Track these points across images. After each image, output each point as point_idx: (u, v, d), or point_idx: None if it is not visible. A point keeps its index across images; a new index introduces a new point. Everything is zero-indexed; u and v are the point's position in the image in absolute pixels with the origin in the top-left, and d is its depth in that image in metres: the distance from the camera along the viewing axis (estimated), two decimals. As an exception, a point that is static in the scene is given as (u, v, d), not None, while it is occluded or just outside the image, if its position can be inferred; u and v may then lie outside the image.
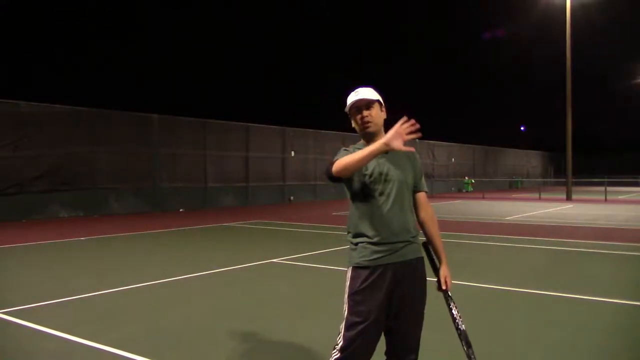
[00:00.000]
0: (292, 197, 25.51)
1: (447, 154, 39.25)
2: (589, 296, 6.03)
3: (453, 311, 2.71)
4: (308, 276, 7.55)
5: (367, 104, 2.69)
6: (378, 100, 2.72)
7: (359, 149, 2.66)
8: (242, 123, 23.70)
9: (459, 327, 2.68)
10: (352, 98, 2.70)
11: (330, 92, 48.18)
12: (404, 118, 2.39)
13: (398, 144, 2.37)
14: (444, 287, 2.74)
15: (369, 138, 2.72)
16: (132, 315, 5.37)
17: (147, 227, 13.84)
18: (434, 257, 2.78)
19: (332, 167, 2.55)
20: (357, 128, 2.74)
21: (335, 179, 2.56)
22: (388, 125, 2.74)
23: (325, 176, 2.65)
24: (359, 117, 2.69)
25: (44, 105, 17.04)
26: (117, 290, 6.45)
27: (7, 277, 7.51)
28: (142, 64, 40.18)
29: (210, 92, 41.75)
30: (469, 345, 2.64)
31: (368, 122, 2.68)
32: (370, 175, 2.63)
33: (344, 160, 2.48)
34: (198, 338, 4.57)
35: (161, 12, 44.77)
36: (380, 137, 2.70)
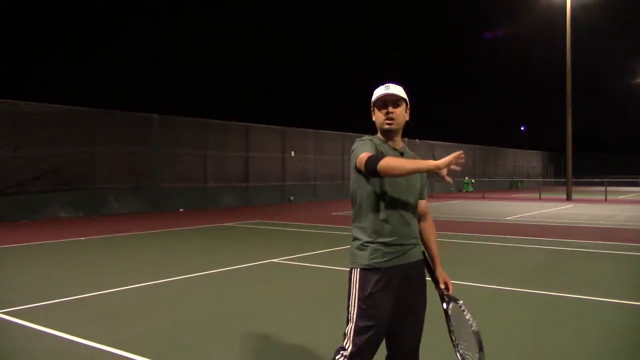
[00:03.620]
0: (292, 197, 25.50)
1: (447, 154, 38.96)
2: (589, 296, 6.03)
3: (465, 314, 2.54)
4: (308, 276, 7.54)
5: (395, 100, 2.64)
6: (405, 100, 2.69)
7: (376, 143, 2.62)
8: (242, 123, 23.70)
9: (473, 327, 2.47)
10: (381, 91, 2.65)
11: (330, 92, 48.18)
12: (461, 152, 2.36)
13: (445, 173, 2.35)
14: (442, 287, 2.73)
15: (389, 135, 2.67)
16: (132, 315, 5.37)
17: (147, 227, 13.83)
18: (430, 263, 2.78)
19: (377, 163, 2.40)
20: (378, 122, 2.68)
21: (374, 174, 2.43)
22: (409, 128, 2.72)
23: (364, 168, 2.47)
24: (384, 111, 2.64)
25: (44, 105, 17.04)
26: (117, 290, 6.45)
27: (7, 277, 7.50)
28: (142, 64, 40.19)
29: (210, 92, 41.76)
30: (481, 348, 2.42)
31: (392, 119, 2.63)
32: (391, 179, 2.58)
33: (393, 163, 2.38)
34: (198, 338, 4.57)
35: (161, 12, 44.79)
36: (398, 138, 2.70)
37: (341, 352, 2.54)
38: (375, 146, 2.61)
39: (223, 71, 46.48)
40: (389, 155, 2.58)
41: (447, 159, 2.32)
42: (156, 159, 19.88)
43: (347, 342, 2.53)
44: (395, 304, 2.55)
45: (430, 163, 2.34)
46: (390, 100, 2.63)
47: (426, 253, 2.79)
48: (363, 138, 2.67)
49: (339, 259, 8.42)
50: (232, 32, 48.52)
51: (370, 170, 2.44)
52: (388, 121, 2.62)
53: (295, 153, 25.89)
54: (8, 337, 4.73)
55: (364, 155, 2.49)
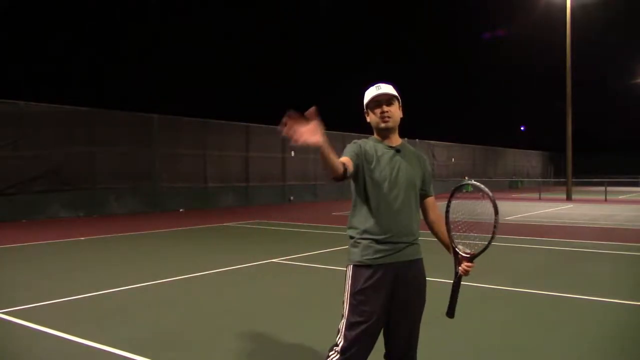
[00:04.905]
0: (292, 197, 25.50)
1: (447, 154, 39.25)
2: (589, 296, 6.03)
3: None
4: (308, 276, 7.55)
5: (388, 99, 2.68)
6: (398, 98, 2.72)
7: (367, 145, 2.66)
8: (242, 123, 23.69)
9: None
10: (372, 92, 2.68)
11: (330, 92, 48.16)
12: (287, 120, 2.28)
13: (307, 139, 2.33)
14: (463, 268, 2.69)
15: (386, 134, 2.71)
16: (132, 315, 5.37)
17: (147, 227, 13.83)
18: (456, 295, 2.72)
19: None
20: (373, 122, 2.71)
21: (338, 179, 2.49)
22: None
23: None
24: (378, 110, 2.67)
25: (44, 105, 17.04)
26: (117, 290, 6.45)
27: (7, 277, 7.50)
28: (143, 63, 40.18)
29: (210, 92, 41.73)
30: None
31: (388, 117, 2.67)
32: (382, 174, 2.62)
33: (323, 165, 2.44)
34: (198, 338, 4.57)
35: (162, 13, 44.77)
36: (395, 135, 2.72)
37: (334, 347, 2.59)
38: (361, 148, 2.64)
39: (223, 71, 46.50)
40: (384, 155, 2.64)
41: (303, 131, 2.32)
42: (156, 159, 19.87)
43: (339, 337, 2.58)
44: (389, 301, 2.58)
45: (316, 144, 2.37)
46: (383, 100, 2.67)
47: (443, 243, 2.79)
48: (354, 141, 2.70)
49: (339, 259, 8.42)
50: (232, 32, 48.54)
51: (333, 179, 2.49)
52: (385, 119, 2.66)
53: (295, 153, 25.89)
54: (8, 337, 4.73)
55: None
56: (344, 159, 2.56)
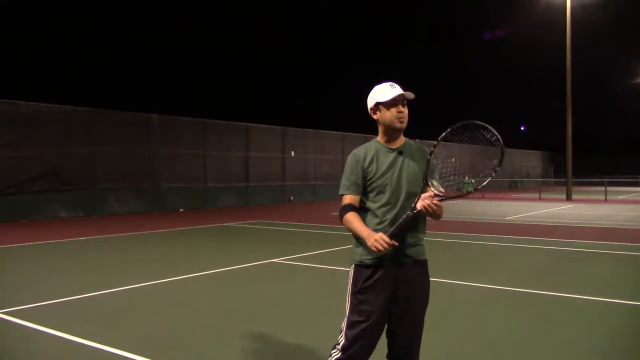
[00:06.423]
0: (292, 197, 25.50)
1: (446, 154, 39.23)
2: (589, 296, 6.03)
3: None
4: (308, 276, 7.54)
5: (403, 99, 2.68)
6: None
7: (372, 149, 2.66)
8: (242, 123, 23.70)
9: None
10: (389, 90, 2.65)
11: (330, 92, 48.16)
12: (386, 238, 2.45)
13: (376, 250, 2.45)
14: (427, 203, 2.50)
15: (395, 135, 2.70)
16: (132, 315, 5.37)
17: (147, 227, 13.83)
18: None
19: (341, 215, 2.69)
20: (387, 120, 2.66)
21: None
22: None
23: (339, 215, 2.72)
24: (395, 110, 2.64)
25: (44, 105, 17.03)
26: (118, 290, 6.44)
27: (7, 277, 7.50)
28: (143, 63, 40.18)
29: (210, 92, 41.72)
30: None
31: (403, 118, 2.67)
32: (383, 181, 2.62)
33: (347, 223, 2.63)
34: (198, 338, 4.57)
35: (162, 13, 44.74)
36: (401, 135, 2.73)
37: (336, 346, 2.62)
38: (359, 163, 2.65)
39: (223, 71, 46.49)
40: (385, 160, 2.65)
41: (377, 238, 2.45)
42: (156, 159, 19.87)
43: (341, 336, 2.61)
44: (390, 301, 2.58)
45: (370, 242, 2.46)
46: (400, 100, 2.66)
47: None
48: (354, 152, 2.71)
49: (339, 259, 8.42)
50: (232, 32, 48.53)
51: (339, 217, 2.71)
52: (401, 119, 2.66)
53: (295, 153, 25.89)
54: (8, 337, 4.73)
55: (343, 199, 2.71)
56: (352, 200, 2.67)
